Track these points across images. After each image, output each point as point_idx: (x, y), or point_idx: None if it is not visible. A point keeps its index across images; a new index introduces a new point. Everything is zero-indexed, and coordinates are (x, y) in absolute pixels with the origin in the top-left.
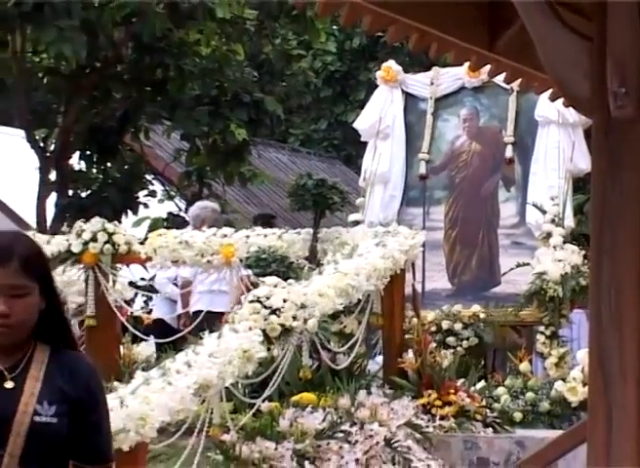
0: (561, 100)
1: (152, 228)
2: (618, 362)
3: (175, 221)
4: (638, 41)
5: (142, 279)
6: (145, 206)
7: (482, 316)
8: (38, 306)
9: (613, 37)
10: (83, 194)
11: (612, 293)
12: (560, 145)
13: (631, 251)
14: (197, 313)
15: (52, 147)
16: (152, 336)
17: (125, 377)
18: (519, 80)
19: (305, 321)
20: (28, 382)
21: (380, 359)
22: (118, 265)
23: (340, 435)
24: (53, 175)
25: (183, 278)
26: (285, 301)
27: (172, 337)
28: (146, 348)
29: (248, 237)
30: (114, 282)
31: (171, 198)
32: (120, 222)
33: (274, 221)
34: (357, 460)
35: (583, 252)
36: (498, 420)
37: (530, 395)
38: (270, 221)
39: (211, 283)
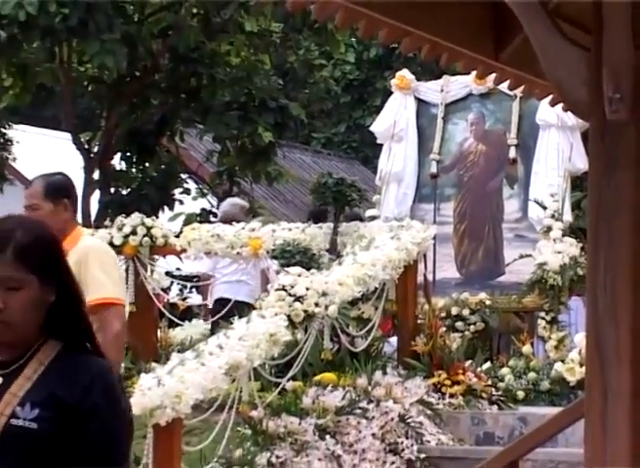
0: (560, 105)
1: (187, 223)
2: (613, 345)
3: (206, 217)
4: (631, 52)
5: (178, 269)
6: (180, 202)
7: (488, 303)
8: (41, 300)
9: (608, 48)
10: (124, 192)
11: (607, 282)
12: (559, 147)
13: (625, 243)
14: (219, 301)
15: (95, 149)
16: (186, 322)
17: (162, 359)
18: (522, 87)
19: (326, 307)
20: (18, 381)
21: (394, 341)
22: (155, 256)
23: (358, 411)
24: (96, 175)
25: (203, 273)
26: (308, 289)
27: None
28: (181, 332)
29: (274, 231)
30: (152, 271)
31: (204, 195)
32: (157, 217)
33: (327, 216)
34: (374, 434)
35: (581, 244)
36: (502, 398)
37: (532, 375)
38: (325, 216)
39: (233, 273)
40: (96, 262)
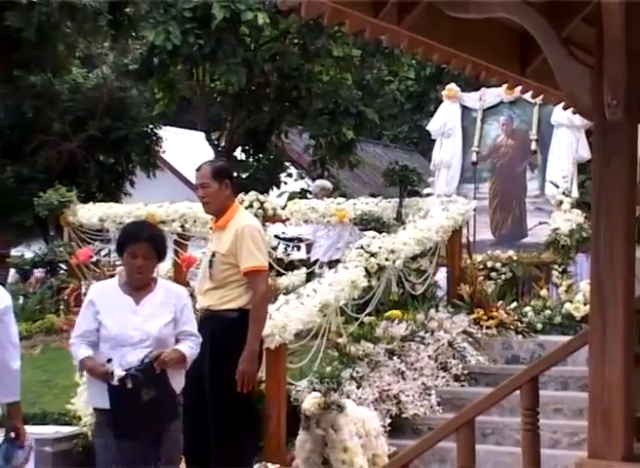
0: (571, 109)
1: (290, 198)
2: (610, 288)
3: (304, 194)
4: (625, 69)
5: (283, 233)
6: (285, 183)
7: (514, 258)
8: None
9: (607, 66)
10: (243, 176)
11: (606, 241)
12: (569, 141)
13: (619, 212)
14: (316, 260)
15: (222, 144)
16: (289, 272)
17: (272, 299)
18: (541, 96)
19: (394, 261)
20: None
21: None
22: (266, 223)
23: (418, 339)
24: None
25: (305, 236)
26: (380, 248)
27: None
28: (286, 280)
29: (355, 204)
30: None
31: (302, 178)
32: (268, 195)
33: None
34: (429, 356)
35: (585, 214)
36: (525, 329)
37: (547, 312)
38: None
39: (326, 237)
40: (250, 238)
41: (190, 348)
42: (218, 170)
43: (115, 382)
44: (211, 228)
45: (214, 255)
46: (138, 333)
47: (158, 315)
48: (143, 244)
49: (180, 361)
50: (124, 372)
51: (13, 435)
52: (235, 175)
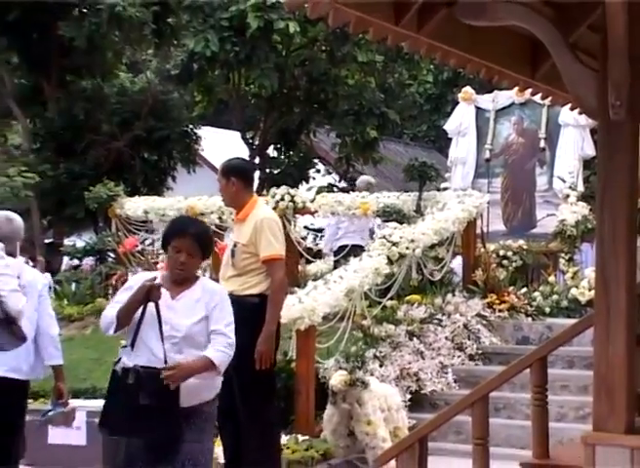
0: (577, 110)
1: (318, 192)
2: (614, 275)
3: (331, 188)
4: (627, 72)
5: (312, 224)
6: (313, 178)
7: (525, 247)
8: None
9: (611, 70)
10: (275, 171)
11: (610, 231)
12: (575, 139)
13: (622, 204)
14: (341, 247)
15: (256, 143)
16: (317, 260)
17: (302, 285)
18: (550, 97)
19: (414, 250)
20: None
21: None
22: (297, 215)
23: (435, 321)
24: (257, 160)
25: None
26: (401, 238)
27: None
28: (314, 267)
29: (377, 197)
30: (294, 225)
31: (329, 174)
32: (298, 189)
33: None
34: (446, 337)
35: (589, 206)
36: (534, 312)
37: (555, 297)
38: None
39: (347, 228)
40: (268, 229)
41: (217, 351)
42: (225, 168)
43: (121, 366)
44: (233, 220)
45: (235, 245)
46: (166, 328)
47: (192, 312)
48: (189, 239)
49: (206, 368)
50: (131, 365)
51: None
52: (268, 170)
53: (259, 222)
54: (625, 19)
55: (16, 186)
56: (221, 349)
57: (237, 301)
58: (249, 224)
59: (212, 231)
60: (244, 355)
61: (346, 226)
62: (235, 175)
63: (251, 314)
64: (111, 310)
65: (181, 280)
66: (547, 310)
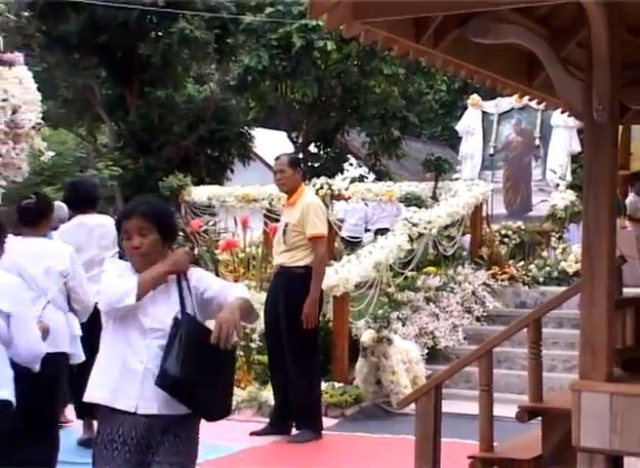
0: (567, 113)
1: (351, 182)
2: (597, 250)
3: (361, 179)
4: (609, 82)
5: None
6: (347, 170)
7: (522, 227)
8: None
9: (595, 80)
10: (315, 165)
11: (594, 213)
12: (564, 138)
13: (604, 191)
14: (377, 229)
15: (300, 141)
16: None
17: (337, 258)
18: (544, 103)
19: (430, 230)
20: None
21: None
22: (334, 201)
23: (448, 289)
24: (301, 156)
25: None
26: (420, 219)
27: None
28: (348, 244)
29: (400, 186)
30: (332, 209)
31: (360, 166)
32: (334, 179)
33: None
34: (457, 302)
35: (576, 194)
36: (530, 282)
37: (547, 268)
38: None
39: (379, 214)
40: (313, 212)
41: (240, 290)
42: (293, 160)
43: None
44: (283, 205)
45: (286, 226)
46: (147, 320)
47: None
48: (135, 219)
49: (247, 305)
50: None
51: None
52: (309, 164)
53: (306, 206)
54: (607, 37)
55: (103, 177)
56: (240, 289)
57: (287, 272)
58: (297, 208)
59: (171, 208)
60: (294, 315)
61: (379, 212)
62: (299, 167)
63: (298, 283)
64: (120, 282)
65: (147, 266)
66: (541, 279)
